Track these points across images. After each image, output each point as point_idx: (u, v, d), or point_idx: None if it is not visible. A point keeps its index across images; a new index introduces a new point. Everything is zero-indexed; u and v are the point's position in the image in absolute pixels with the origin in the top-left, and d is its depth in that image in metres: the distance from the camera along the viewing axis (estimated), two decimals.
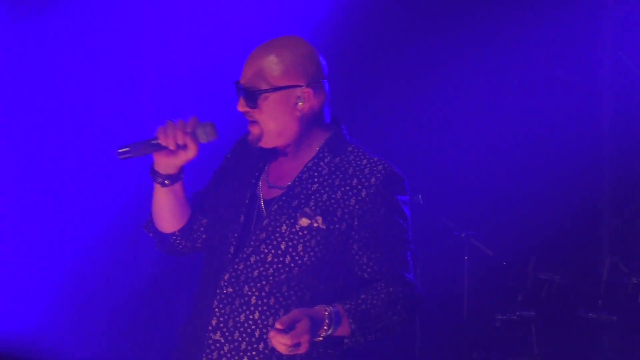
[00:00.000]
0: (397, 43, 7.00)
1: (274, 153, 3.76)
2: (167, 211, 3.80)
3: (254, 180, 3.77)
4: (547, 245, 6.23)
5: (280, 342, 3.40)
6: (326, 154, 3.70)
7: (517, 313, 5.60)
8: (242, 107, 3.65)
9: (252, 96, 3.61)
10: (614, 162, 6.68)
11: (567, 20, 6.88)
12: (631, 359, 5.32)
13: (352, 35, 6.83)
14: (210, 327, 3.67)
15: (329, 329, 3.47)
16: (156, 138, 3.66)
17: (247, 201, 3.74)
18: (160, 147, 3.65)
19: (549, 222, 6.36)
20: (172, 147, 3.62)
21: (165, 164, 3.69)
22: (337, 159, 3.69)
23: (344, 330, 3.52)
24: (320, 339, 3.46)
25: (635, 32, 6.95)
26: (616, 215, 6.49)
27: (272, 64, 3.61)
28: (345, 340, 3.56)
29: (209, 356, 3.66)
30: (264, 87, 3.60)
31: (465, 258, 5.95)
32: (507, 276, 5.98)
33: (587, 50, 7.04)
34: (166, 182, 3.74)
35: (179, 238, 3.88)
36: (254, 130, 3.65)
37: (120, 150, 3.66)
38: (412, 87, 6.76)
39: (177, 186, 3.76)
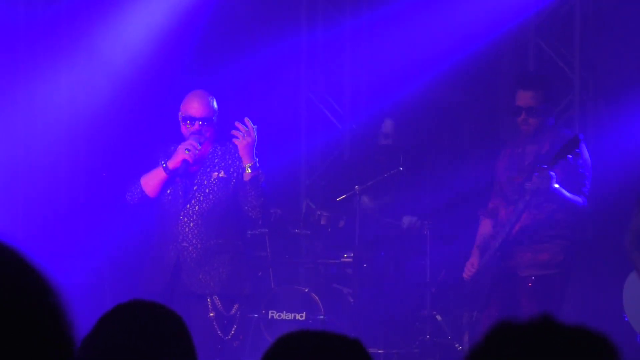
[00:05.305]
0: None
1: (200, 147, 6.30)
2: (157, 186, 6.35)
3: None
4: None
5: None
6: (218, 144, 6.41)
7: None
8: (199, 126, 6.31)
9: (209, 121, 6.32)
10: (308, 178, 9.23)
11: (272, 60, 8.57)
12: (316, 255, 8.25)
13: None
14: (179, 240, 6.28)
15: (253, 161, 6.23)
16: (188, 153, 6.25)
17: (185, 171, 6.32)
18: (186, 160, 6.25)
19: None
20: (191, 160, 6.28)
21: (176, 164, 6.26)
22: (224, 146, 6.38)
23: (251, 175, 6.23)
24: (250, 165, 6.24)
25: (323, 75, 8.85)
26: (310, 189, 9.22)
27: (209, 104, 6.34)
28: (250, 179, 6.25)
29: (181, 259, 6.27)
30: (211, 115, 6.33)
31: None
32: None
33: (289, 90, 8.79)
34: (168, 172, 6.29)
35: (148, 199, 6.39)
36: (208, 135, 6.36)
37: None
38: None
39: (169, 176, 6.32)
